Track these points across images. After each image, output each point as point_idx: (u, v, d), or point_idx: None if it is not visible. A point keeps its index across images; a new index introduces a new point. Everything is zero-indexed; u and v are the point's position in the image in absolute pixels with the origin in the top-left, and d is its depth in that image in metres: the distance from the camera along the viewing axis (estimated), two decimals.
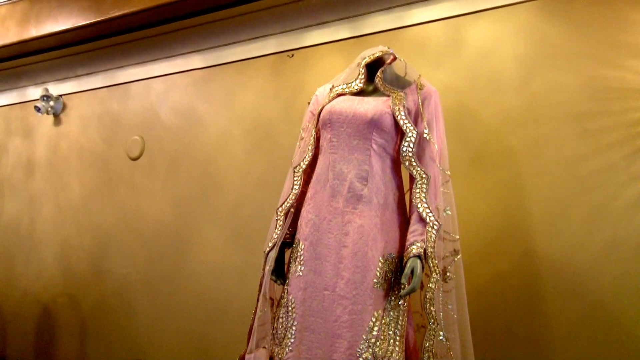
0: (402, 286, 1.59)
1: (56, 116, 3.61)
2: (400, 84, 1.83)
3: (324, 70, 2.61)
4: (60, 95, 3.60)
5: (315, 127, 1.85)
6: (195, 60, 3.08)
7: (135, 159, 3.22)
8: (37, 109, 3.51)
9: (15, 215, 3.65)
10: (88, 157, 3.42)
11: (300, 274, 1.69)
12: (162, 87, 3.21)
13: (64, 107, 3.60)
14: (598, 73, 2.05)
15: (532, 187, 2.10)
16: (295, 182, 1.83)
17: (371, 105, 1.74)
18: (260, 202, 2.71)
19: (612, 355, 1.89)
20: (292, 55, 2.77)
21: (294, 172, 1.85)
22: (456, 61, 2.34)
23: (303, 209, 1.79)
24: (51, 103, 3.54)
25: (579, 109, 2.06)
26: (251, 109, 2.87)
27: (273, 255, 1.79)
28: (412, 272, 1.58)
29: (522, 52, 2.21)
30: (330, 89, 1.89)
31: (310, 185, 1.80)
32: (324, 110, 1.81)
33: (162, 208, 3.06)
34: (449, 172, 1.76)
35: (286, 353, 1.64)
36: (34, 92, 3.70)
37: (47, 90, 3.55)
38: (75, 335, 3.22)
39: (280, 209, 1.83)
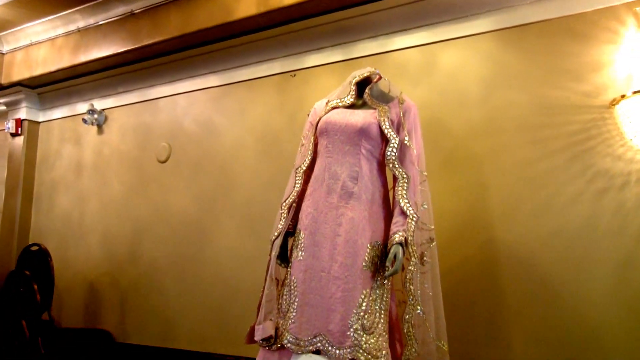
0: (387, 268, 1.56)
1: (99, 127, 3.55)
2: (385, 99, 1.79)
3: (321, 88, 2.55)
4: (103, 110, 3.54)
5: (314, 135, 1.80)
6: (213, 80, 3.02)
7: (163, 162, 3.16)
8: (84, 121, 3.48)
9: (67, 209, 3.59)
10: (125, 160, 3.36)
11: (301, 258, 1.64)
12: (185, 102, 3.15)
13: (106, 119, 3.54)
14: (545, 92, 2.06)
15: (492, 186, 2.08)
16: (297, 181, 1.78)
17: (361, 117, 1.69)
18: (268, 198, 2.65)
19: (555, 324, 1.89)
20: (294, 75, 2.71)
21: (296, 172, 1.79)
22: (430, 81, 2.30)
23: (303, 204, 1.74)
24: (95, 116, 3.51)
25: (530, 121, 2.06)
26: (260, 120, 2.81)
27: (278, 242, 1.74)
28: (395, 256, 1.54)
29: (483, 74, 2.19)
30: (326, 103, 1.84)
31: (310, 184, 1.75)
32: (321, 120, 1.76)
33: (186, 203, 3.00)
34: (425, 173, 1.72)
35: (289, 324, 1.60)
36: (82, 107, 3.65)
37: (92, 105, 3.51)
38: (116, 308, 3.17)
39: (284, 203, 1.78)
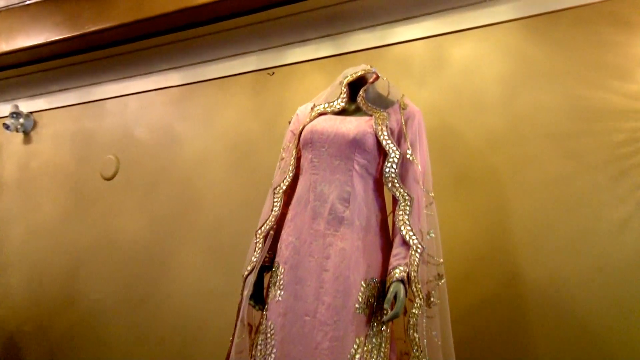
0: (385, 311, 1.57)
1: (26, 134, 3.56)
2: (383, 103, 1.85)
3: (305, 89, 2.62)
4: (31, 113, 3.55)
5: (296, 147, 1.85)
6: (173, 78, 3.08)
7: (109, 179, 3.18)
8: (6, 127, 3.45)
9: None
10: (60, 176, 3.36)
11: (280, 298, 1.67)
12: (138, 105, 3.19)
13: (35, 124, 3.55)
14: (581, 93, 2.09)
15: (515, 208, 2.12)
16: (275, 204, 1.82)
17: (353, 125, 1.75)
18: (241, 222, 2.69)
19: None
20: (273, 73, 2.78)
21: (274, 193, 1.84)
22: (439, 80, 2.37)
23: (283, 232, 1.78)
24: (21, 120, 3.49)
25: (562, 129, 2.09)
26: (231, 127, 2.86)
27: (251, 279, 1.76)
28: (395, 296, 1.56)
29: (505, 71, 2.25)
30: (312, 108, 1.90)
31: (291, 207, 1.80)
32: (305, 129, 1.81)
33: (138, 229, 3.02)
34: (432, 194, 1.77)
35: None
36: (2, 109, 3.64)
37: (16, 107, 3.50)
38: None
39: (259, 231, 1.81)
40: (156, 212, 2.99)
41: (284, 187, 1.83)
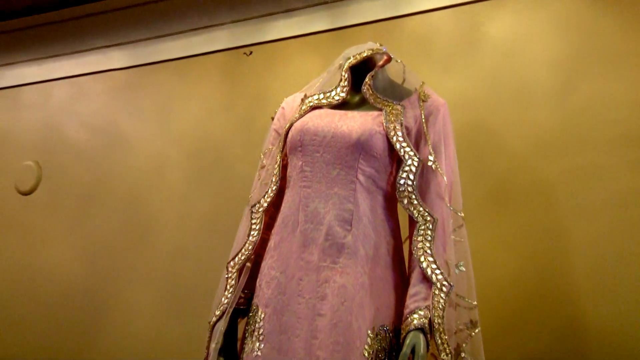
0: None
1: None
2: (396, 93, 1.87)
3: (293, 74, 2.65)
4: None
5: (282, 152, 1.87)
6: (116, 58, 3.10)
7: (27, 194, 3.19)
8: None
9: None
10: None
11: (259, 353, 1.66)
12: (67, 94, 3.20)
13: None
14: None
15: (573, 234, 2.13)
16: (254, 227, 1.83)
17: (357, 123, 1.76)
18: (207, 251, 2.69)
19: None
20: (250, 53, 2.81)
21: (252, 212, 1.85)
22: (471, 64, 2.40)
23: (264, 263, 1.79)
24: None
25: (637, 130, 2.11)
26: (194, 125, 2.88)
27: (221, 327, 1.76)
28: (413, 351, 1.56)
29: (560, 53, 2.27)
30: (302, 100, 1.92)
31: (274, 231, 1.81)
32: (293, 128, 1.83)
33: (68, 262, 3.02)
34: (462, 214, 1.79)
35: None
36: None
37: None
38: None
39: (231, 263, 1.82)
40: (92, 239, 2.99)
41: (266, 205, 1.84)
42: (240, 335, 1.83)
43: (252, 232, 1.83)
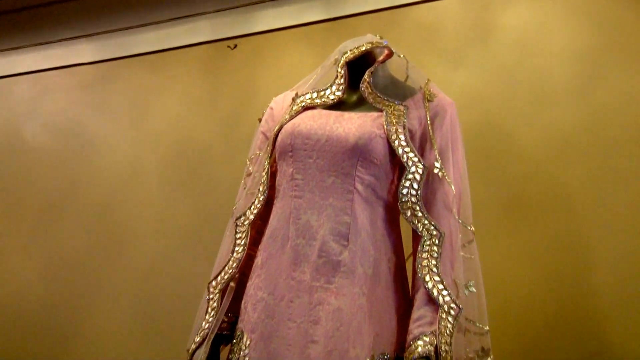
0: None
1: None
2: (398, 92, 1.87)
3: (283, 70, 2.65)
4: None
5: (270, 157, 1.87)
6: (85, 51, 3.10)
7: None
8: None
9: None
10: None
11: None
12: (29, 91, 3.21)
13: None
14: None
15: (598, 249, 2.13)
16: (238, 242, 1.83)
17: (355, 125, 1.76)
18: (185, 269, 2.69)
19: None
20: (235, 46, 2.81)
21: (237, 225, 1.85)
22: (483, 58, 2.41)
23: (249, 283, 1.78)
24: None
25: None
26: (172, 126, 2.89)
27: (201, 355, 1.75)
28: None
29: (583, 45, 2.28)
30: (293, 100, 1.92)
31: (261, 247, 1.80)
32: (283, 131, 1.82)
33: (26, 282, 3.01)
34: (472, 228, 1.78)
35: None
36: None
37: None
38: None
39: (213, 282, 1.82)
40: (56, 253, 2.99)
41: (252, 217, 1.84)
42: None
43: (236, 248, 1.83)
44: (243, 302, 1.78)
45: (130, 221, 2.88)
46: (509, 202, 2.27)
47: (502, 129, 2.32)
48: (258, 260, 1.80)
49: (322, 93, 1.88)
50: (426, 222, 1.71)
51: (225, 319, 1.82)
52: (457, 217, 1.75)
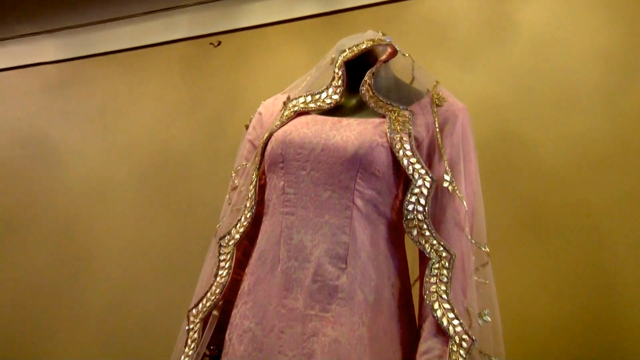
0: None
1: None
2: (403, 96, 1.87)
3: (273, 71, 2.66)
4: None
5: (259, 169, 1.87)
6: (48, 48, 3.11)
7: None
8: None
9: None
10: None
11: None
12: None
13: None
14: None
15: (628, 272, 2.14)
16: (223, 264, 1.83)
17: (354, 132, 1.75)
18: (162, 295, 2.70)
19: None
20: (219, 43, 2.83)
21: (221, 245, 1.85)
22: (498, 58, 2.42)
23: (235, 312, 1.78)
24: None
25: None
26: (148, 133, 2.90)
27: None
28: None
29: (611, 45, 2.29)
30: (284, 104, 1.93)
31: (248, 270, 1.80)
32: (273, 139, 1.83)
33: None
34: (487, 249, 1.78)
35: None
36: None
37: None
38: None
39: (194, 311, 1.81)
40: (13, 275, 3.00)
41: (238, 237, 1.84)
42: None
43: (220, 272, 1.83)
44: (227, 332, 1.78)
45: (98, 241, 2.88)
46: (528, 220, 2.27)
47: (519, 137, 2.33)
48: (244, 285, 1.79)
49: (318, 96, 1.89)
50: (435, 242, 1.70)
51: (208, 352, 1.82)
52: (469, 237, 1.75)
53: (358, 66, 1.89)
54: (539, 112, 2.32)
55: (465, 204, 1.75)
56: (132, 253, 2.81)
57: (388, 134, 1.75)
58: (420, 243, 1.71)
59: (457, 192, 1.75)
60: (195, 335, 1.80)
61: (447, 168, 1.76)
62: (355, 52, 1.88)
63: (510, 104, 2.36)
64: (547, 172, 2.28)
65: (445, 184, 1.75)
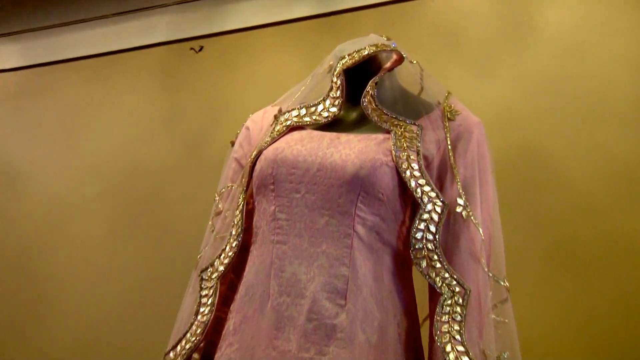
0: None
1: None
2: (411, 108, 1.88)
3: (262, 79, 2.68)
4: None
5: (246, 191, 1.87)
6: (8, 53, 3.11)
7: None
8: None
9: None
10: None
11: None
12: None
13: None
14: None
15: None
16: (205, 300, 1.83)
17: (355, 150, 1.75)
18: (134, 336, 2.68)
19: None
20: (201, 49, 2.84)
21: (202, 279, 1.85)
22: (519, 65, 2.43)
23: (218, 355, 1.77)
24: None
25: None
26: (120, 150, 2.90)
27: None
28: None
29: None
30: (275, 117, 1.94)
31: (234, 307, 1.80)
32: (262, 157, 1.83)
33: None
34: (506, 283, 1.78)
35: None
36: None
37: None
38: None
39: (171, 354, 1.81)
40: None
41: (222, 269, 1.83)
42: None
43: (201, 309, 1.82)
44: None
45: (62, 274, 2.87)
46: (554, 250, 2.28)
47: (543, 156, 2.34)
48: (230, 324, 1.79)
49: (313, 109, 1.89)
50: (447, 275, 1.70)
51: None
52: (486, 270, 1.75)
53: (359, 75, 1.90)
54: (565, 126, 2.33)
55: (481, 232, 1.75)
56: (101, 287, 2.80)
57: (393, 152, 1.75)
58: (430, 276, 1.70)
59: (472, 218, 1.75)
60: None
61: (461, 191, 1.76)
62: (356, 58, 1.88)
63: (533, 117, 2.36)
64: (575, 196, 2.29)
65: (459, 209, 1.75)
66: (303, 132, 1.86)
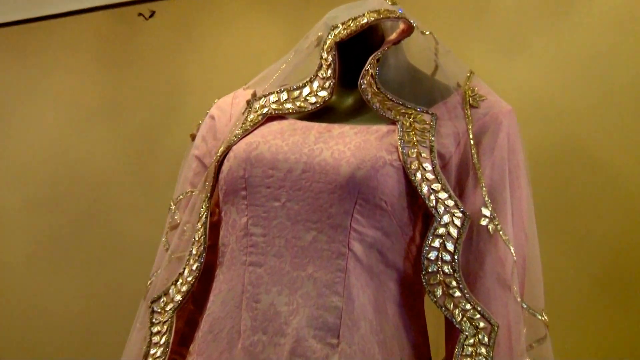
0: None
1: None
2: (422, 92, 1.86)
3: (231, 53, 2.68)
4: None
5: (210, 198, 1.86)
6: None
7: None
8: None
9: None
10: None
11: None
12: None
13: None
14: None
15: None
16: (156, 340, 1.81)
17: (351, 146, 1.74)
18: None
19: None
20: (152, 14, 2.83)
21: (153, 312, 1.83)
22: (559, 41, 2.44)
23: None
24: None
25: None
26: (49, 146, 2.90)
27: None
28: None
29: None
30: (248, 103, 1.92)
31: (195, 348, 1.79)
32: (231, 154, 1.81)
33: None
34: (545, 317, 1.77)
35: None
36: None
37: None
38: None
39: None
40: None
41: (179, 299, 1.81)
42: None
43: (152, 350, 1.80)
44: None
45: None
46: (603, 274, 2.28)
47: (590, 154, 2.34)
48: None
49: (297, 93, 1.87)
50: (468, 306, 1.67)
51: None
52: (519, 299, 1.73)
53: (356, 49, 1.87)
54: (618, 117, 2.33)
55: (512, 251, 1.73)
56: (25, 319, 2.79)
57: (400, 148, 1.72)
58: (447, 308, 1.67)
59: (500, 233, 1.72)
60: None
61: (486, 198, 1.73)
62: (353, 28, 1.83)
63: (576, 107, 2.36)
64: (631, 205, 2.28)
65: (484, 222, 1.72)
66: (284, 123, 1.84)
